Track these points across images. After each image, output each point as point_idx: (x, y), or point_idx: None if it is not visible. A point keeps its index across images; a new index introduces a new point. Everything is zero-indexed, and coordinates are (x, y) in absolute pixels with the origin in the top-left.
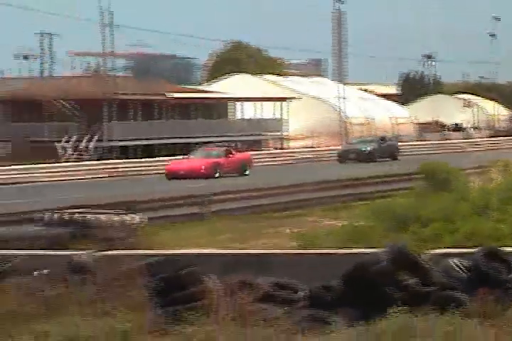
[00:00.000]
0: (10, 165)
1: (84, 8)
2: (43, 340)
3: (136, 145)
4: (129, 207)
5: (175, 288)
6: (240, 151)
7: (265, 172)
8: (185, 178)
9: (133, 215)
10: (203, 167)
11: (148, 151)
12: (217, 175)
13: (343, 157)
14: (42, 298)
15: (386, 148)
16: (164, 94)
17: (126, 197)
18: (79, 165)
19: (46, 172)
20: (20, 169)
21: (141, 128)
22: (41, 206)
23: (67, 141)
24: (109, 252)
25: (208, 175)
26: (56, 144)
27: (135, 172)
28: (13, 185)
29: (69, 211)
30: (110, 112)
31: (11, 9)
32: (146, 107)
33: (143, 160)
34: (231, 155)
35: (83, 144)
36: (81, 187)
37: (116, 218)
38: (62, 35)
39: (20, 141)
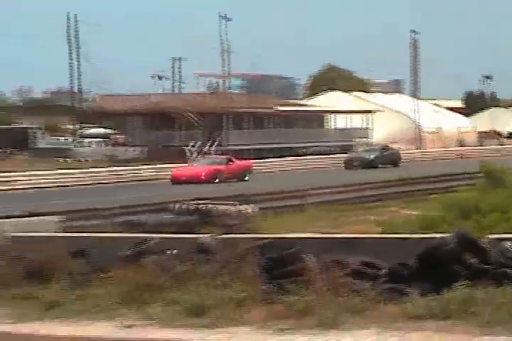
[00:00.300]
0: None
1: (206, 37)
2: (172, 307)
3: (248, 149)
4: (243, 199)
5: (280, 265)
6: (241, 159)
7: (354, 172)
8: (187, 183)
9: (246, 206)
10: (204, 173)
11: (259, 154)
12: (216, 180)
13: (349, 164)
14: (173, 273)
15: (388, 156)
16: (272, 108)
17: (240, 191)
18: None
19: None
20: (155, 168)
21: (253, 135)
22: (172, 198)
23: (193, 146)
24: (227, 236)
25: (208, 180)
26: (184, 148)
27: None
28: (147, 182)
29: (195, 202)
30: (227, 122)
31: (148, 37)
32: (256, 118)
33: (254, 161)
34: (231, 163)
35: (206, 148)
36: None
37: (232, 208)
38: (188, 59)
39: (155, 146)
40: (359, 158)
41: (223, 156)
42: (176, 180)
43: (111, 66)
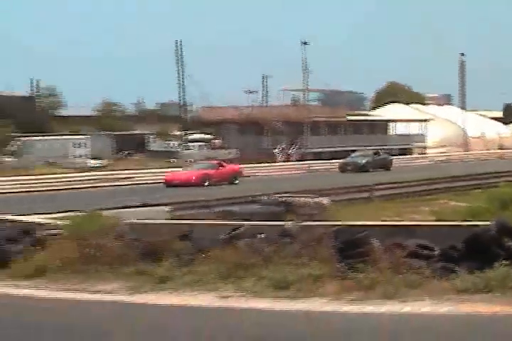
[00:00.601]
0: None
1: (290, 59)
2: (262, 282)
3: (324, 152)
4: (319, 192)
5: (350, 247)
6: (233, 164)
7: (412, 170)
8: (179, 186)
9: (322, 198)
10: (194, 177)
11: (333, 155)
12: (206, 183)
13: (343, 168)
14: (262, 254)
15: (379, 161)
16: (344, 117)
17: (317, 186)
18: (287, 164)
19: (265, 169)
20: (248, 167)
21: (328, 140)
22: (262, 192)
23: (279, 149)
24: (307, 223)
25: (198, 184)
26: (273, 151)
27: (323, 169)
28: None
29: (279, 195)
30: (307, 129)
31: (240, 59)
32: (330, 126)
33: (330, 161)
34: (222, 168)
35: (290, 151)
36: (289, 179)
37: (311, 200)
38: (275, 77)
39: (247, 149)
40: (352, 163)
41: (214, 161)
42: (169, 184)
43: (211, 82)
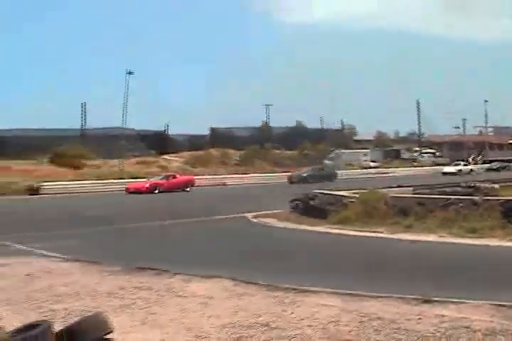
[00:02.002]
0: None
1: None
2: (459, 229)
3: (496, 159)
4: (492, 181)
5: (510, 211)
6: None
7: None
8: (134, 193)
9: (493, 184)
10: (146, 186)
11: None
12: (156, 191)
13: (290, 179)
14: (462, 214)
15: (323, 174)
16: (506, 141)
17: (491, 177)
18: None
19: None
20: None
21: (497, 154)
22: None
23: (471, 157)
24: (487, 198)
25: (149, 191)
26: (468, 158)
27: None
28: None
29: (472, 182)
30: (486, 147)
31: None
32: (499, 146)
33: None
34: (174, 179)
35: (478, 158)
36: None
37: (488, 185)
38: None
39: (454, 157)
40: (296, 175)
41: (168, 174)
42: (128, 191)
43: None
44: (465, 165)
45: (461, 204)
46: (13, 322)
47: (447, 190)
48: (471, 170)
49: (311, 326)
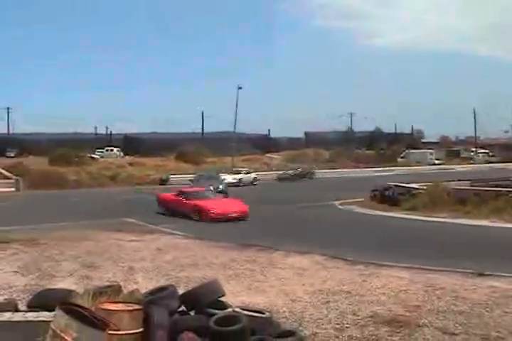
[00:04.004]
0: None
1: None
2: (495, 211)
3: None
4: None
5: None
6: None
7: None
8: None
9: None
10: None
11: None
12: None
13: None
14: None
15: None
16: None
17: None
18: None
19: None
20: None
21: None
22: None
23: None
24: None
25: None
26: None
27: None
28: None
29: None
30: None
31: None
32: None
33: None
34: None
35: None
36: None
37: None
38: None
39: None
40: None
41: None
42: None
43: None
44: None
45: (510, 195)
46: (147, 285)
47: (500, 183)
48: None
49: (384, 294)
